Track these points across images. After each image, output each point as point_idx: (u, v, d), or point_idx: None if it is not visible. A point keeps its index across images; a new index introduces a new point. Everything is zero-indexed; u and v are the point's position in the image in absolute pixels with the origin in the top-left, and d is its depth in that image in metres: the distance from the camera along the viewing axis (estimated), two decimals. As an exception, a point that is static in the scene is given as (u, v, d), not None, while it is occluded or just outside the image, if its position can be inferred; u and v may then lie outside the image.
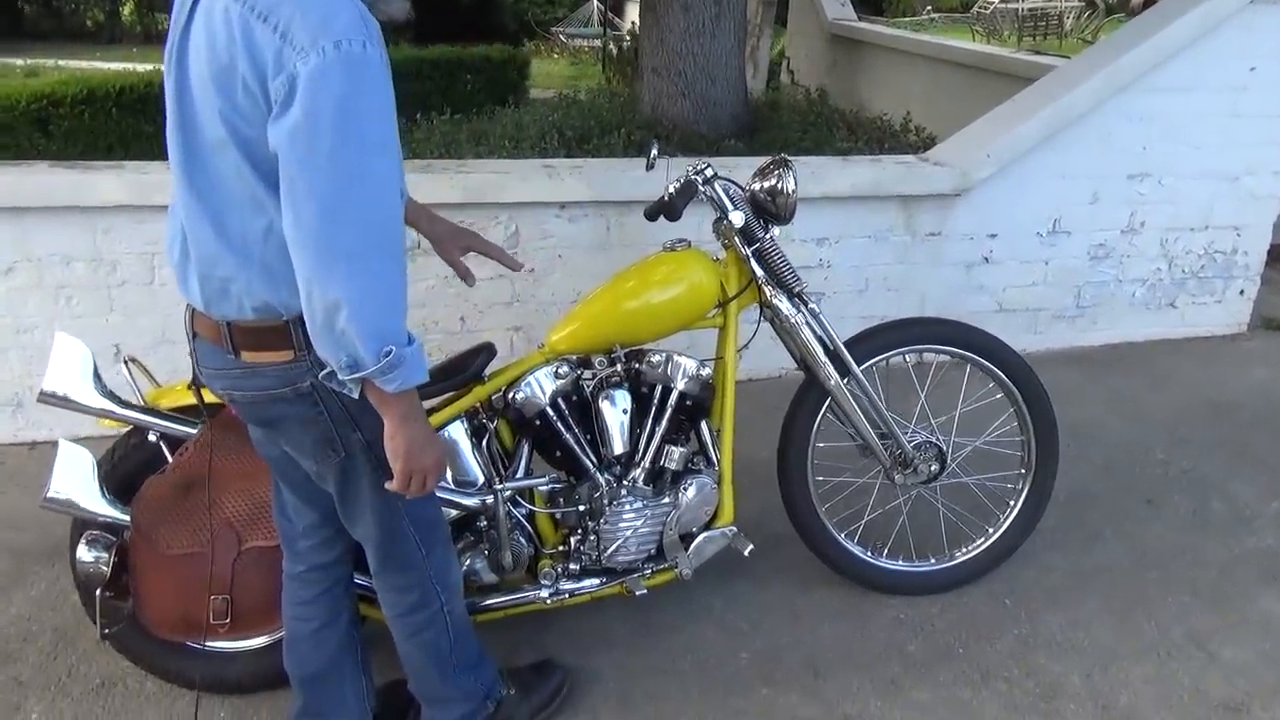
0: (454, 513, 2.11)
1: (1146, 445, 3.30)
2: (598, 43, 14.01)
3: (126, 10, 18.30)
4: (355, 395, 1.45)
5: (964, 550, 2.53)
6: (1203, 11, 3.72)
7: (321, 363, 1.44)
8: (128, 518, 1.88)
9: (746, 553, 2.25)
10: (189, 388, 1.99)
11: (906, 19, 17.88)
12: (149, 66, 7.78)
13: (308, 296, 1.35)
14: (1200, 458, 3.22)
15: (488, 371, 2.15)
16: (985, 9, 15.67)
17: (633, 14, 15.47)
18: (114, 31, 17.35)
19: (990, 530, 2.54)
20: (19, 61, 12.15)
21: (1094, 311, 4.11)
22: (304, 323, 1.42)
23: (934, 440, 2.39)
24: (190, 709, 2.08)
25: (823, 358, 2.25)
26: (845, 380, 2.27)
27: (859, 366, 2.27)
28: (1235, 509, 2.93)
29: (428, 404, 2.05)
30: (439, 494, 2.02)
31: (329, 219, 1.32)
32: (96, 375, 1.92)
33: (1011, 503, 2.53)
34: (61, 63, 11.89)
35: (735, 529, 2.24)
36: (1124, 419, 3.49)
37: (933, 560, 2.52)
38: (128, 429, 2.02)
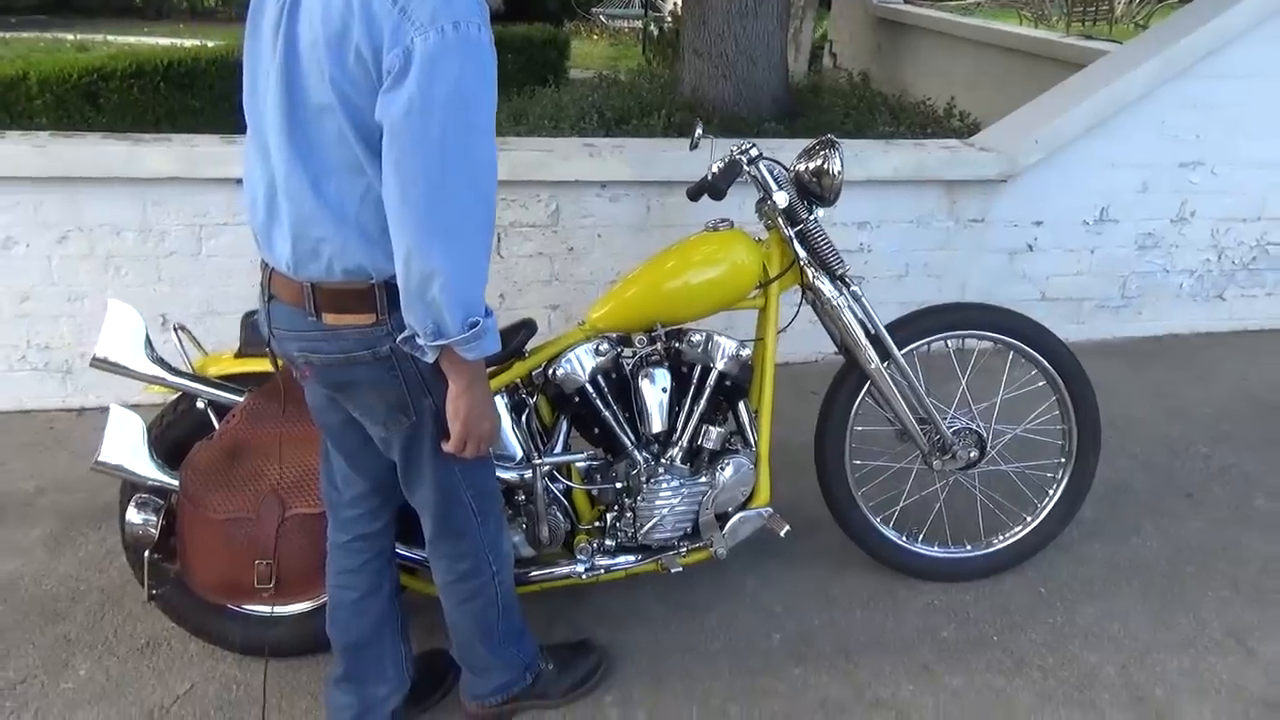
0: (492, 486, 2.13)
1: (1188, 439, 3.25)
2: (638, 24, 13.95)
3: (173, -14, 18.46)
4: (431, 361, 1.50)
5: (1001, 538, 2.51)
6: (1263, -4, 3.63)
7: (400, 327, 1.48)
8: (176, 482, 1.92)
9: (782, 534, 2.25)
10: (237, 356, 2.04)
11: (953, 2, 17.59)
12: (195, 42, 7.85)
13: (405, 265, 1.39)
14: (1243, 453, 3.17)
15: (528, 347, 2.17)
16: (1034, -7, 15.35)
17: (674, -5, 15.37)
18: (161, 7, 17.53)
19: (1028, 519, 2.52)
20: (69, 36, 12.33)
21: (1139, 302, 4.04)
22: (388, 287, 1.48)
23: (974, 427, 2.38)
24: (232, 670, 2.14)
25: (864, 341, 2.24)
26: (886, 364, 2.26)
27: (900, 351, 2.26)
28: (1277, 506, 2.88)
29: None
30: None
31: (435, 196, 1.36)
32: (148, 342, 1.96)
33: (1050, 492, 2.51)
34: (110, 38, 12.03)
35: (771, 510, 2.25)
36: (1166, 412, 3.44)
37: (969, 547, 2.51)
38: (176, 395, 2.06)
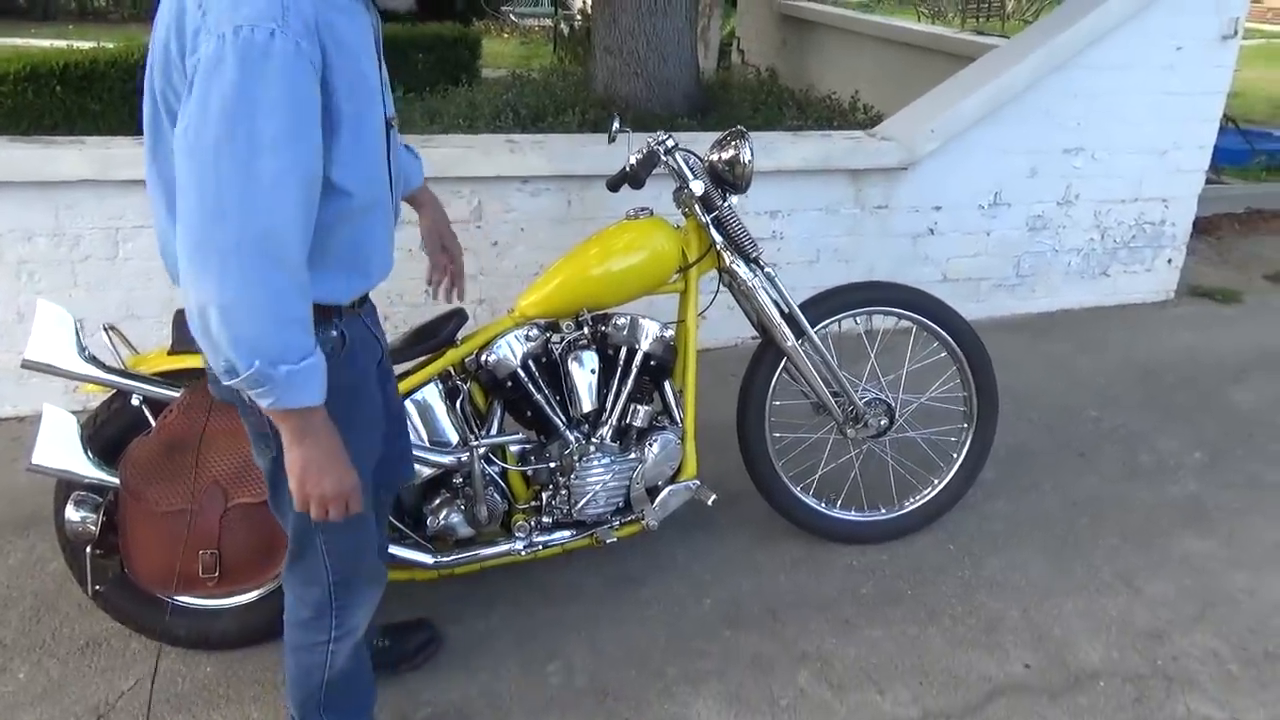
0: (429, 471, 2.20)
1: (1080, 404, 3.50)
2: (548, 22, 13.98)
3: (60, -14, 17.74)
4: (247, 401, 1.38)
5: (911, 500, 2.69)
6: (1132, -7, 3.91)
7: None
8: (115, 479, 1.94)
9: (709, 503, 2.37)
10: (170, 353, 2.07)
11: (854, 0, 18.07)
12: (90, 44, 7.61)
13: (185, 293, 1.27)
14: (1129, 415, 3.43)
15: (460, 336, 2.24)
16: (930, -10, 15.92)
17: (582, -7, 15.44)
18: (47, 8, 16.83)
19: (935, 481, 2.70)
20: (-50, 39, 11.77)
21: (1032, 280, 4.30)
22: None
23: (883, 397, 2.54)
24: (176, 665, 2.16)
25: (779, 320, 2.38)
26: (800, 341, 2.40)
27: (813, 328, 2.41)
28: (1160, 460, 3.14)
29: (403, 367, 2.14)
30: (418, 454, 2.11)
31: (205, 214, 1.24)
32: (79, 342, 1.97)
33: (955, 455, 2.70)
34: (-5, 40, 11.55)
35: (698, 481, 2.37)
36: (1059, 381, 3.69)
37: (883, 510, 2.68)
38: (109, 394, 2.07)
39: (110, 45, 7.22)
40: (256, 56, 1.22)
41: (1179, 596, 2.48)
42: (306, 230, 1.33)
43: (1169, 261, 4.51)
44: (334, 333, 1.53)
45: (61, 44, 8.24)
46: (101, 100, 6.47)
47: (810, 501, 2.61)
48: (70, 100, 6.38)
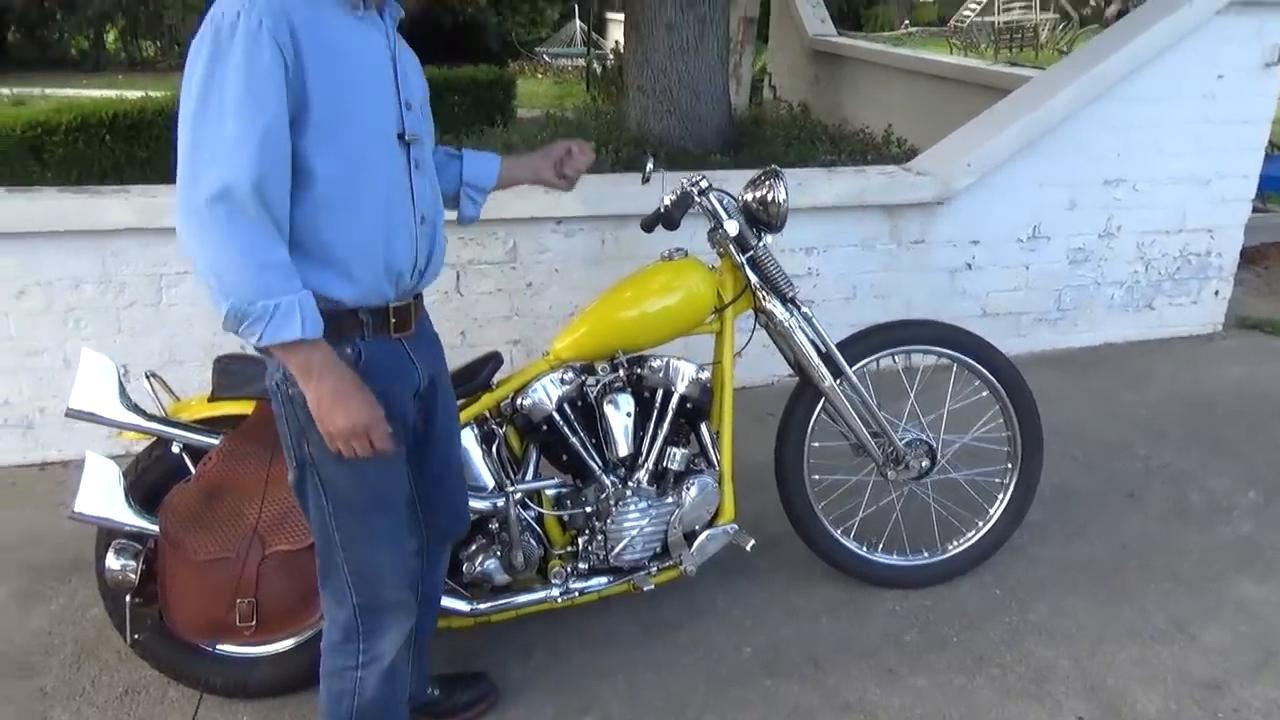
0: (466, 516, 2.19)
1: (1127, 442, 3.42)
2: (581, 62, 14.17)
3: (111, 38, 18.35)
4: (261, 351, 1.50)
5: (955, 543, 2.63)
6: (1171, 23, 3.87)
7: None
8: (154, 526, 1.95)
9: (748, 548, 2.34)
10: (210, 400, 2.09)
11: (886, 33, 18.14)
12: (138, 93, 7.84)
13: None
14: (1178, 452, 3.33)
15: (495, 379, 2.24)
16: (962, 23, 15.94)
17: (615, 33, 15.64)
18: (98, 59, 17.38)
19: (980, 524, 2.64)
20: (5, 91, 12.18)
21: (1075, 314, 4.23)
22: None
23: (924, 438, 2.50)
24: (214, 713, 2.15)
25: (816, 360, 2.35)
26: (838, 381, 2.37)
27: (851, 367, 2.38)
28: (1212, 500, 3.04)
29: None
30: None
31: (184, 177, 1.41)
32: (122, 390, 1.99)
33: (999, 497, 2.63)
34: (48, 91, 11.94)
35: (736, 526, 2.34)
36: (1105, 417, 3.61)
37: (925, 554, 2.62)
38: (151, 441, 2.09)
39: (157, 94, 7.44)
40: (225, 36, 1.40)
41: (1237, 644, 2.39)
42: (274, 185, 1.44)
43: (1216, 293, 4.41)
44: (348, 349, 1.60)
45: (111, 94, 8.51)
46: (148, 148, 6.65)
47: (851, 545, 2.56)
48: (119, 149, 6.57)
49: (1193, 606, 2.53)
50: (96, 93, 10.18)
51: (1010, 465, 2.62)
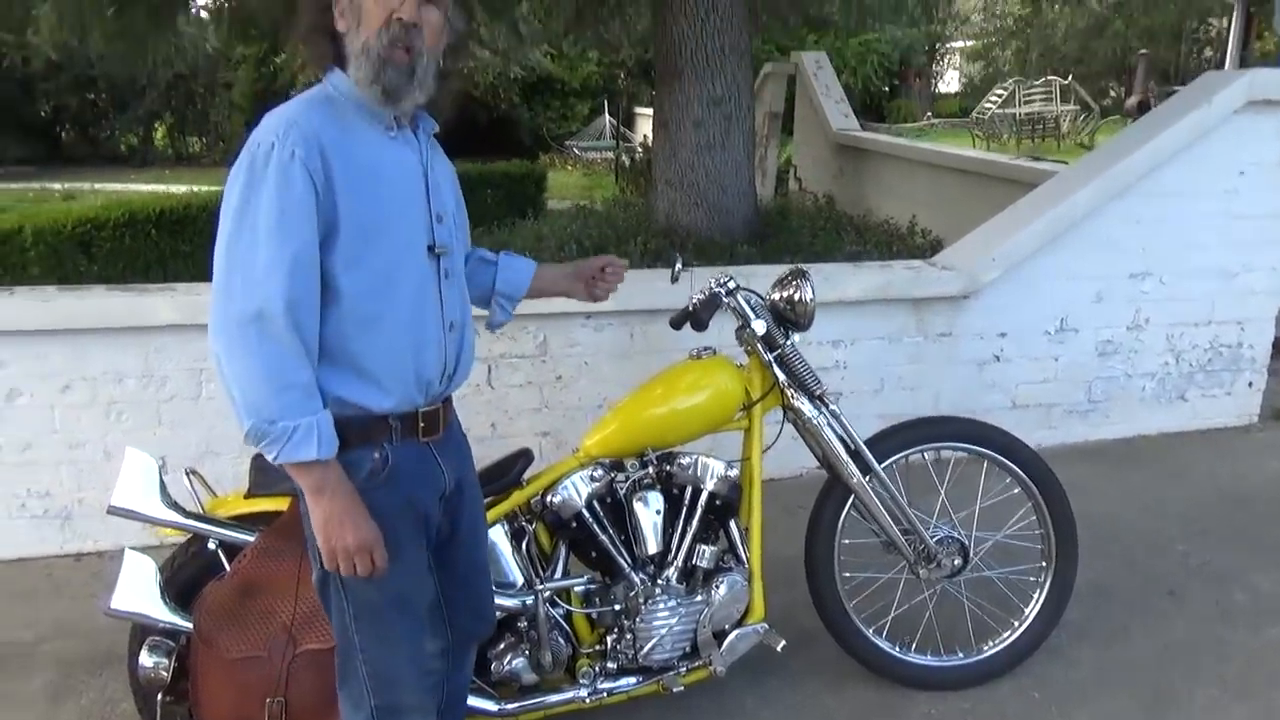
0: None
1: (1166, 537, 3.35)
2: (610, 155, 14.53)
3: (159, 134, 19.14)
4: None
5: (991, 644, 2.57)
6: (1190, 121, 3.94)
7: None
8: (188, 623, 1.97)
9: (779, 649, 2.31)
10: (246, 497, 2.12)
11: (908, 125, 18.49)
12: (183, 188, 8.16)
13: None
14: (1219, 549, 3.27)
15: (526, 476, 2.27)
16: (984, 114, 16.21)
17: (643, 127, 16.09)
18: (146, 155, 18.11)
19: (1015, 623, 2.59)
20: (57, 186, 12.70)
21: (1106, 406, 4.20)
22: None
23: (956, 535, 2.47)
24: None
25: (845, 456, 2.35)
26: (867, 478, 2.37)
27: (880, 464, 2.38)
28: (1257, 599, 2.97)
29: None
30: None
31: (218, 296, 1.50)
32: (163, 487, 2.04)
33: (1035, 595, 2.59)
34: (97, 186, 12.43)
35: (766, 625, 2.31)
36: (1142, 512, 3.55)
37: (960, 654, 2.57)
38: (187, 537, 2.13)
39: (201, 189, 7.73)
40: (260, 165, 1.50)
41: (1290, 753, 2.31)
42: (303, 308, 1.52)
43: (1249, 384, 4.37)
44: (375, 454, 1.64)
45: (159, 188, 8.85)
46: (192, 242, 6.88)
47: (884, 645, 2.52)
48: (164, 243, 6.80)
49: (1241, 713, 2.45)
50: (144, 187, 10.59)
51: (1045, 563, 2.58)
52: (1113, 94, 21.27)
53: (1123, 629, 2.82)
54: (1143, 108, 14.26)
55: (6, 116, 17.31)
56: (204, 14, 6.78)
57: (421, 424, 1.69)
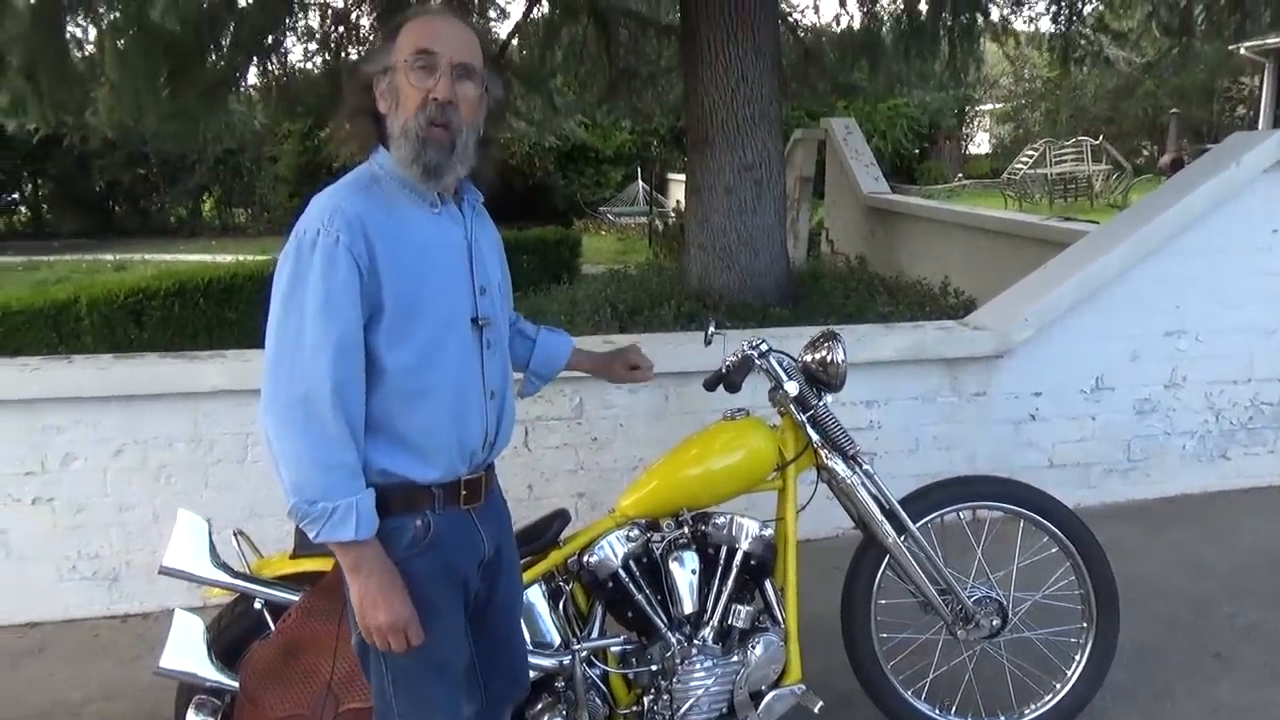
0: (532, 674, 2.21)
1: (1211, 598, 3.29)
2: (643, 220, 14.76)
3: (207, 207, 19.78)
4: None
5: (1033, 707, 2.54)
6: (1219, 182, 3.97)
7: None
8: (234, 682, 2.01)
9: (816, 709, 2.29)
10: (292, 557, 2.18)
11: (939, 186, 18.61)
12: (230, 258, 8.44)
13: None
14: (1267, 610, 3.20)
15: (563, 536, 2.30)
16: (1015, 175, 16.28)
17: (675, 192, 16.35)
18: (194, 227, 18.71)
19: (1057, 685, 2.55)
20: (109, 257, 13.16)
21: (1146, 465, 4.16)
22: None
23: (994, 595, 2.46)
24: None
25: (879, 516, 2.36)
26: (902, 538, 2.37)
27: (915, 524, 2.38)
28: (1309, 662, 2.90)
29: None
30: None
31: (267, 379, 1.56)
32: (212, 548, 2.10)
33: (1077, 657, 2.55)
34: (148, 257, 12.85)
35: (804, 686, 2.30)
36: (1186, 572, 3.49)
37: (1002, 717, 2.53)
38: (234, 597, 2.18)
39: (247, 259, 7.98)
40: (305, 252, 1.55)
41: (1348, 822, 2.24)
42: (349, 390, 1.57)
43: (1293, 442, 4.31)
44: (417, 521, 1.67)
45: (206, 258, 9.13)
46: (238, 310, 7.09)
47: (923, 707, 2.49)
48: (211, 311, 7.01)
49: (1295, 780, 2.39)
50: (193, 257, 10.94)
51: (1086, 624, 2.55)
52: (1145, 153, 21.29)
53: (1168, 691, 2.76)
54: (1176, 166, 14.24)
55: (63, 191, 18.05)
56: (253, 93, 7.08)
57: (464, 492, 1.73)
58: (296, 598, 2.08)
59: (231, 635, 2.14)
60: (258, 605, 2.13)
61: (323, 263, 1.54)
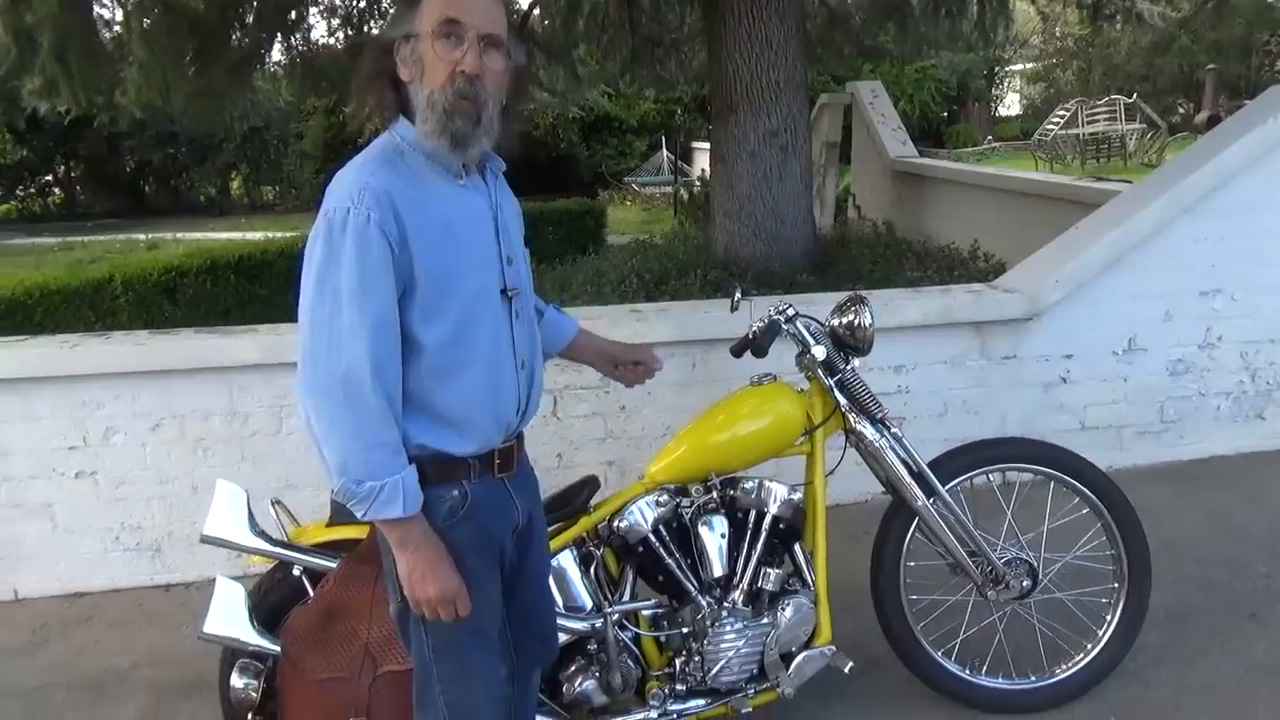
0: (564, 638, 2.25)
1: (1246, 559, 3.27)
2: (668, 189, 14.69)
3: (235, 184, 19.94)
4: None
5: (1064, 667, 2.54)
6: (1254, 138, 3.89)
7: None
8: (276, 646, 2.07)
9: (847, 670, 2.32)
10: (328, 525, 2.23)
11: (968, 149, 18.33)
12: (259, 235, 8.52)
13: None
14: (1304, 571, 3.17)
15: (593, 502, 2.33)
16: (1045, 136, 15.99)
17: (700, 161, 16.23)
18: (223, 205, 18.89)
19: (1089, 646, 2.55)
20: (142, 236, 13.32)
21: (1179, 426, 4.12)
22: None
23: (1024, 556, 2.46)
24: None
25: (908, 479, 2.37)
26: (931, 500, 2.38)
27: (944, 487, 2.38)
28: (1346, 622, 2.88)
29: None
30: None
31: (304, 362, 1.56)
32: (251, 517, 2.15)
33: (1108, 617, 2.55)
34: (179, 235, 13.00)
35: (834, 648, 2.32)
36: (1220, 533, 3.46)
37: (1033, 677, 2.54)
38: (274, 564, 2.23)
39: (277, 235, 8.05)
40: (337, 231, 1.53)
41: (1384, 779, 2.23)
42: (387, 368, 1.57)
43: (1331, 401, 4.24)
44: (454, 491, 1.69)
45: (236, 235, 9.23)
46: (269, 285, 7.18)
47: (953, 668, 2.51)
48: (243, 287, 7.10)
49: (1330, 738, 2.38)
50: (223, 235, 11.05)
51: (1117, 584, 2.55)
52: (1181, 110, 20.83)
53: (1202, 651, 2.75)
54: (1213, 123, 13.93)
55: (95, 173, 18.27)
56: (277, 70, 7.10)
57: (498, 461, 1.75)
58: (334, 564, 2.13)
59: (272, 601, 2.19)
60: (297, 572, 2.18)
61: (355, 242, 1.52)
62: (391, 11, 7.00)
